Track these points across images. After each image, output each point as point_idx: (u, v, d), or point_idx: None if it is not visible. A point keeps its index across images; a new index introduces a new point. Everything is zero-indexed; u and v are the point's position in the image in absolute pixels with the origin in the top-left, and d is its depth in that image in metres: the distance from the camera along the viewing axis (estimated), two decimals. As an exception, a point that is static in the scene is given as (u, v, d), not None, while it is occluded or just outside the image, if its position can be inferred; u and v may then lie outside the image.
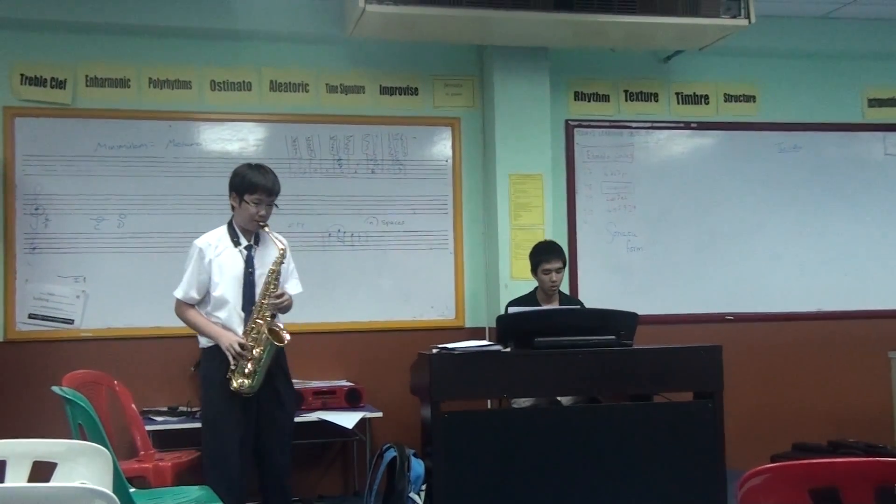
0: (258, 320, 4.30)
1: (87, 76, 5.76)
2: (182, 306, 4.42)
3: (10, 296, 5.58)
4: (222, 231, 4.44)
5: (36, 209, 5.66)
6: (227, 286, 4.34)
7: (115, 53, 5.79)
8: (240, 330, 4.33)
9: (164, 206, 5.79)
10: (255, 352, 4.25)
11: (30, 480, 2.30)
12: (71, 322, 5.66)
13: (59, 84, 5.71)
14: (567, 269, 6.17)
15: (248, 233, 4.41)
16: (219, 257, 4.36)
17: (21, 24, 5.61)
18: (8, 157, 5.62)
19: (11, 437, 2.42)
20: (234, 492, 4.25)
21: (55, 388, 3.72)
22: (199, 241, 4.40)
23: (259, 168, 4.43)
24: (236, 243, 4.39)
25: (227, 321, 4.34)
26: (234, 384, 4.24)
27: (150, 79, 5.84)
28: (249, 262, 4.37)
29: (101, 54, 5.77)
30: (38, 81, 5.69)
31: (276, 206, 4.42)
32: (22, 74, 5.67)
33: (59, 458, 2.35)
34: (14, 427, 5.08)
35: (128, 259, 5.73)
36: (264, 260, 4.40)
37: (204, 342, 4.41)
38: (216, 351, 4.32)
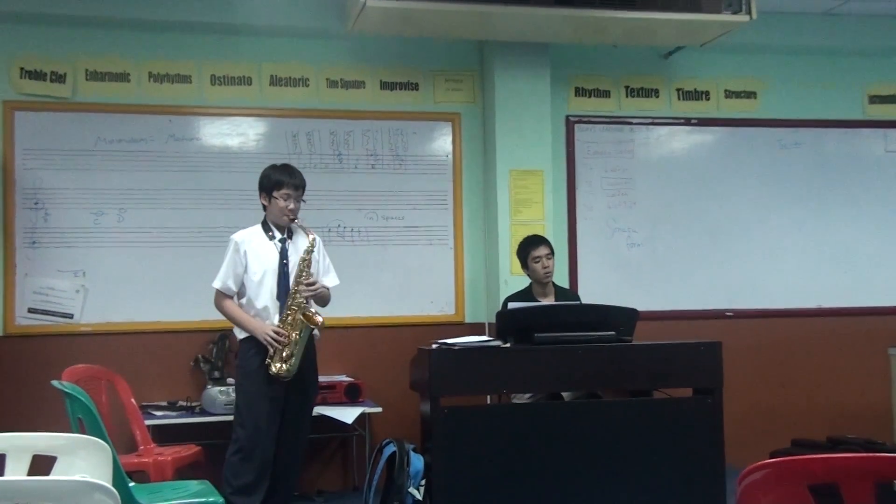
0: (292, 306, 4.48)
1: (87, 70, 5.75)
2: (220, 297, 4.61)
3: (9, 290, 5.58)
4: (257, 227, 4.67)
5: (35, 203, 5.65)
6: (264, 276, 4.55)
7: (115, 47, 5.78)
8: (276, 318, 4.52)
9: (164, 200, 5.79)
10: (292, 336, 4.44)
11: (29, 474, 2.30)
12: (70, 316, 5.65)
13: (59, 78, 5.71)
14: (567, 264, 6.19)
15: (281, 228, 4.64)
16: (254, 248, 4.58)
17: (21, 17, 5.60)
18: (7, 151, 5.62)
19: (11, 431, 2.42)
20: (265, 479, 4.46)
21: (55, 383, 3.73)
22: (236, 235, 4.63)
23: (284, 166, 4.69)
24: (271, 237, 4.62)
25: (264, 310, 4.53)
26: (273, 369, 4.43)
27: (150, 73, 5.84)
28: (284, 254, 4.59)
29: (101, 48, 5.77)
30: (37, 75, 5.69)
31: (304, 200, 4.64)
32: (22, 68, 5.66)
33: (58, 451, 2.35)
34: (14, 421, 5.07)
35: (127, 253, 5.73)
36: (298, 252, 4.60)
37: (241, 334, 4.60)
38: (252, 341, 4.52)
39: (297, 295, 4.50)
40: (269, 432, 4.49)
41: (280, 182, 4.57)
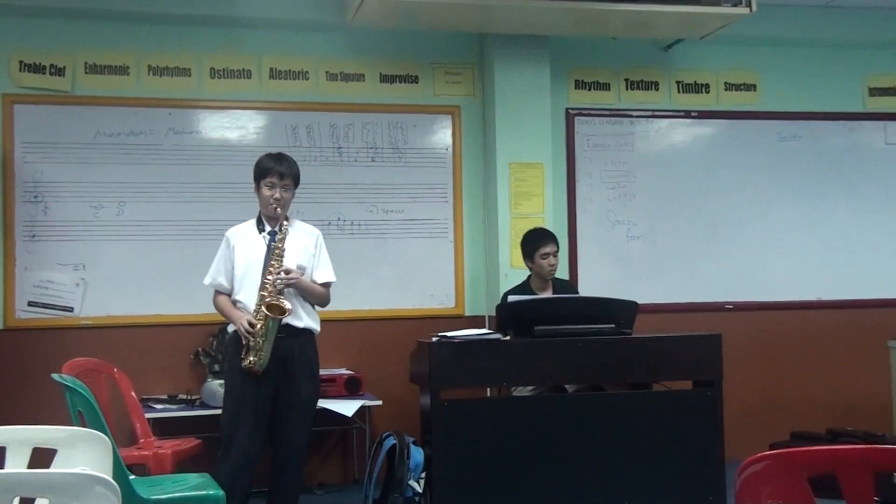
0: (266, 297, 4.31)
1: (86, 63, 5.74)
2: (214, 294, 4.53)
3: (9, 283, 5.58)
4: (252, 222, 4.55)
5: (35, 197, 5.65)
6: (248, 269, 4.41)
7: (115, 41, 5.77)
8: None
9: (164, 193, 5.79)
10: (258, 327, 4.28)
11: (29, 467, 2.30)
12: (70, 310, 5.65)
13: (59, 71, 5.70)
14: (567, 257, 6.19)
15: (273, 220, 4.46)
16: (242, 243, 4.47)
17: (21, 10, 5.59)
18: (7, 144, 5.61)
19: (11, 424, 2.42)
20: (241, 479, 4.28)
21: (55, 376, 3.73)
22: (229, 231, 4.54)
23: (275, 154, 4.54)
24: (261, 230, 4.48)
25: (248, 303, 4.39)
26: (245, 362, 4.29)
27: (149, 66, 5.83)
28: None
29: (100, 41, 5.76)
30: (37, 68, 5.68)
31: (293, 192, 4.49)
32: (21, 61, 5.66)
33: (58, 444, 2.35)
34: (14, 414, 5.08)
35: (127, 247, 5.73)
36: (290, 246, 4.42)
37: (231, 328, 4.52)
38: (235, 335, 4.41)
39: (269, 285, 4.30)
40: (252, 430, 4.32)
41: (266, 170, 4.43)
